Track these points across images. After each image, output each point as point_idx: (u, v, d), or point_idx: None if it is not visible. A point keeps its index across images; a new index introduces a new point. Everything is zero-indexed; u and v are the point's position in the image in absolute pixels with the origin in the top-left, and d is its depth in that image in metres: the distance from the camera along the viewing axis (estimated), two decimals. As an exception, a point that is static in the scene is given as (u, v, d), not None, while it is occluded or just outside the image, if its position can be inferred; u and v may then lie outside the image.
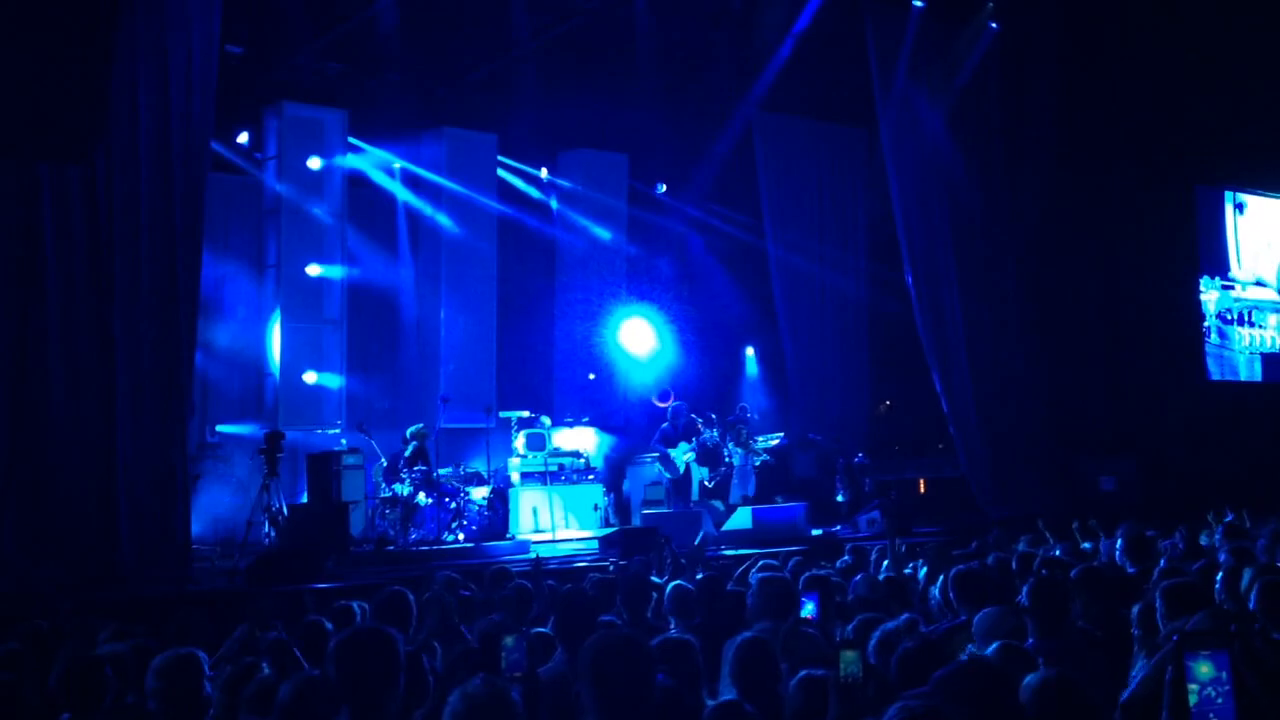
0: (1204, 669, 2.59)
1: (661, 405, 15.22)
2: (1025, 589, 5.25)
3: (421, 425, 13.89)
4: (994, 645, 4.14)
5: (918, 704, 3.05)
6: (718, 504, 14.64)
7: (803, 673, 4.15)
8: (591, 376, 17.30)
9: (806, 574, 6.69)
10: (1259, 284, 21.49)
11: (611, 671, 3.35)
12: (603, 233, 17.56)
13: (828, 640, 4.86)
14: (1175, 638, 2.84)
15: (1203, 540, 9.18)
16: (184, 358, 10.79)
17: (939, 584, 6.74)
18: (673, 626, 5.84)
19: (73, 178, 10.55)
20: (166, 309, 10.67)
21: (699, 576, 7.10)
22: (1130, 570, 7.07)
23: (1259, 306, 21.45)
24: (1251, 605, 4.98)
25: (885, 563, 8.89)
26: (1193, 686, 2.59)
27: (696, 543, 12.90)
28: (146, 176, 10.67)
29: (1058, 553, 8.08)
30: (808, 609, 5.00)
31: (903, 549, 9.46)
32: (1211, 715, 2.57)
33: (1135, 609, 5.13)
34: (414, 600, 5.84)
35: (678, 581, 6.47)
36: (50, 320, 10.35)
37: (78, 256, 10.53)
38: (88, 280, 10.46)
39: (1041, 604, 4.93)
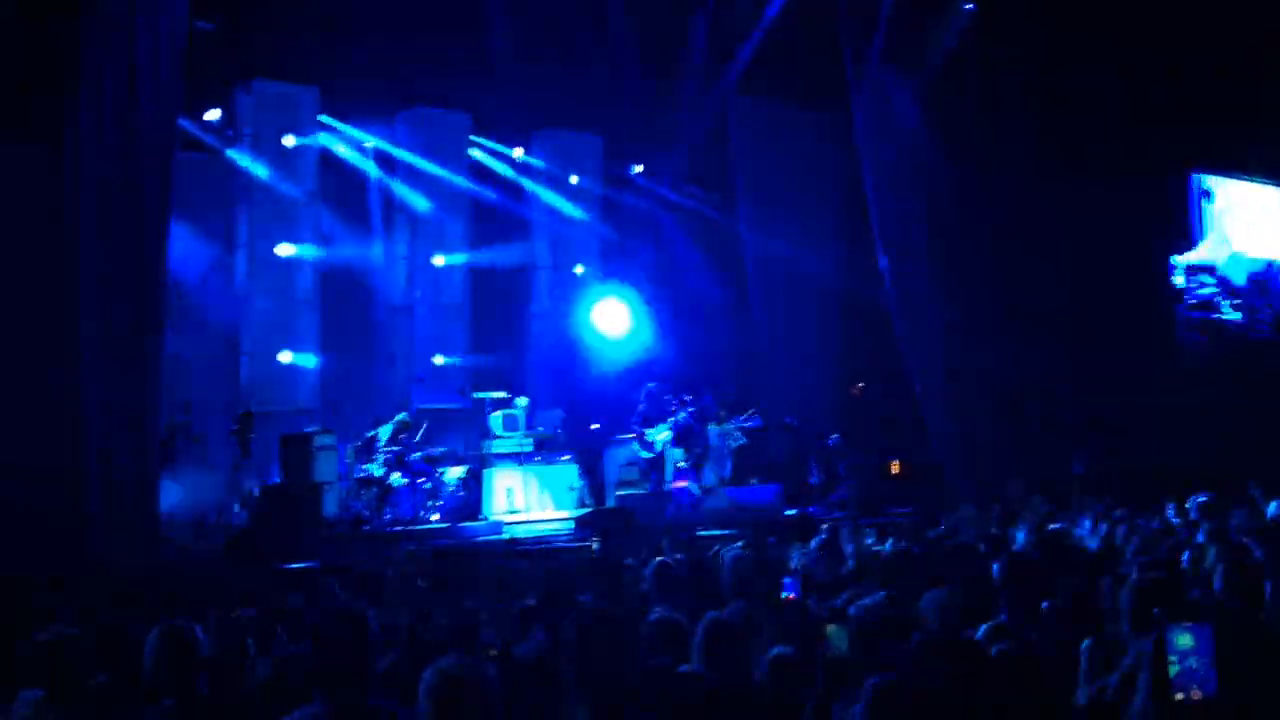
0: (1184, 640, 2.60)
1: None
2: (996, 567, 5.28)
3: (406, 415, 13.81)
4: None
5: (890, 680, 3.06)
6: (693, 485, 14.67)
7: (774, 650, 4.16)
8: (574, 359, 17.27)
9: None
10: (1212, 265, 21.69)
11: (594, 649, 3.35)
12: (577, 213, 17.52)
13: (810, 618, 4.88)
14: (1156, 611, 2.86)
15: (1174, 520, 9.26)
16: (153, 337, 10.68)
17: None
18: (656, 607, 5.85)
19: (39, 155, 10.41)
20: (134, 288, 10.55)
21: (678, 557, 7.11)
22: (1099, 549, 7.14)
23: (1226, 287, 21.65)
24: (1217, 585, 5.01)
25: (850, 548, 8.91)
26: (1173, 658, 2.60)
27: (668, 517, 13.01)
28: (114, 153, 10.52)
29: (1021, 534, 8.14)
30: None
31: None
32: (1193, 686, 2.58)
33: (1106, 583, 5.17)
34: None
35: (660, 559, 6.47)
36: (17, 299, 10.21)
37: (44, 235, 10.39)
38: (54, 259, 10.33)
39: (1013, 582, 4.95)
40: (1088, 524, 8.87)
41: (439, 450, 14.20)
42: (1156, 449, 16.84)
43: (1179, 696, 2.58)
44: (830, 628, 3.57)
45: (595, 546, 8.58)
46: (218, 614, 5.70)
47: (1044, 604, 4.88)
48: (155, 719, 4.08)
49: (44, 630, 4.97)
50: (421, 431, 13.91)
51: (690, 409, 14.96)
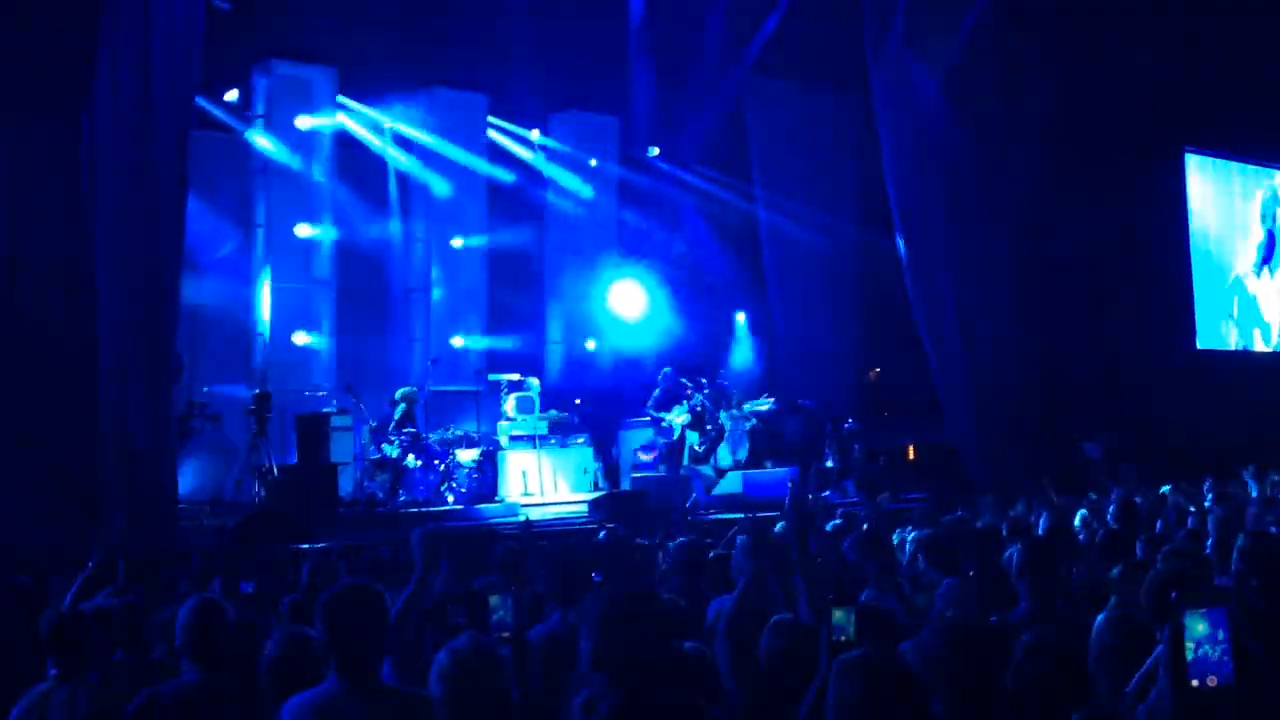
0: (1201, 626, 2.58)
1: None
2: (1016, 553, 5.25)
3: (412, 388, 13.84)
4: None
5: (856, 655, 3.06)
6: (707, 469, 14.66)
7: (775, 618, 4.15)
8: (591, 345, 17.25)
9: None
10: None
11: (625, 630, 3.32)
12: (594, 195, 17.48)
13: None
14: (1174, 596, 2.84)
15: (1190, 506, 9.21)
16: (169, 317, 10.70)
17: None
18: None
19: (57, 135, 10.43)
20: (150, 267, 10.57)
21: (684, 540, 7.10)
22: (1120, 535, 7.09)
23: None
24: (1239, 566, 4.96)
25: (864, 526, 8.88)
26: (1190, 644, 2.58)
27: (687, 505, 13.00)
28: (131, 133, 10.53)
29: (1042, 520, 8.07)
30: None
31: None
32: (1209, 673, 2.56)
33: (1116, 571, 5.14)
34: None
35: (678, 541, 6.47)
36: (35, 277, 10.26)
37: (62, 215, 10.42)
38: (72, 238, 10.36)
39: (1033, 568, 4.91)
40: (1112, 509, 8.79)
41: (453, 432, 14.23)
42: (1174, 432, 16.77)
43: (1194, 684, 2.56)
44: (836, 611, 3.55)
45: (602, 535, 8.56)
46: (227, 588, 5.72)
47: (1062, 590, 4.86)
48: (177, 692, 4.09)
49: (61, 607, 5.01)
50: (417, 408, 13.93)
51: (705, 392, 14.95)
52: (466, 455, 13.78)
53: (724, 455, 15.04)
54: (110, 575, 6.18)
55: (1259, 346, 21.68)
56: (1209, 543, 5.90)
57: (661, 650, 3.42)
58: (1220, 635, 2.55)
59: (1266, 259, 21.72)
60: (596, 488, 14.54)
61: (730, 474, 14.54)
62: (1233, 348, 21.24)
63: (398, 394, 13.63)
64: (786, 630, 4.02)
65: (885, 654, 3.18)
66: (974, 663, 3.16)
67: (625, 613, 3.36)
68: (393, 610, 3.89)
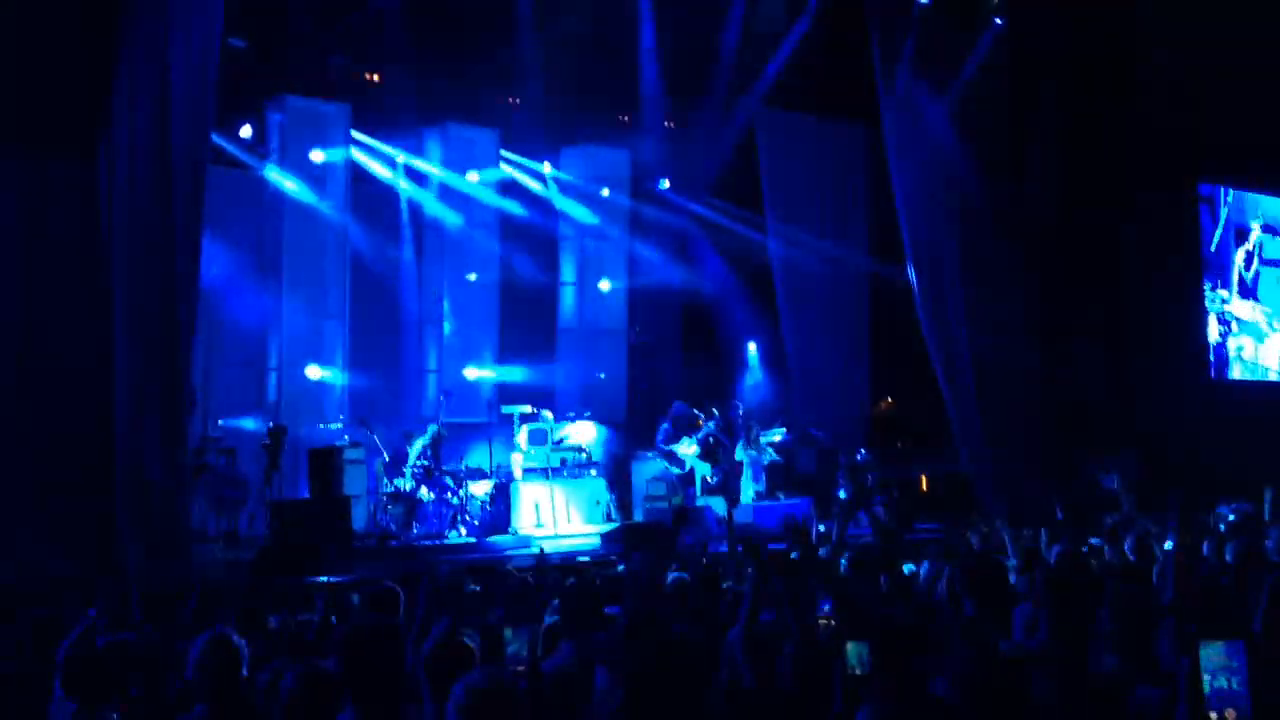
0: (1218, 658, 2.57)
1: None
2: (1038, 584, 5.23)
3: (438, 428, 13.80)
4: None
5: (891, 684, 3.05)
6: (719, 501, 14.63)
7: (790, 648, 4.14)
8: (602, 376, 17.26)
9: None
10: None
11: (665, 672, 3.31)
12: (605, 227, 17.54)
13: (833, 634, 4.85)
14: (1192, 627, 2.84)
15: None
16: (184, 351, 10.77)
17: (944, 580, 6.75)
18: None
19: (74, 171, 10.54)
20: (166, 302, 10.65)
21: (678, 576, 7.09)
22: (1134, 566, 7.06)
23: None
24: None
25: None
26: (1207, 676, 2.57)
27: (690, 541, 12.96)
28: (146, 169, 10.64)
29: (1055, 551, 8.02)
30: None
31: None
32: (1227, 704, 2.55)
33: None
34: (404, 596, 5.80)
35: (676, 575, 6.46)
36: (52, 312, 10.34)
37: (78, 250, 10.51)
38: (88, 273, 10.44)
39: (1055, 599, 4.88)
40: (1129, 542, 8.75)
41: (466, 464, 14.23)
42: (1191, 462, 16.67)
43: (1213, 715, 2.55)
44: (849, 645, 3.54)
45: (620, 567, 8.54)
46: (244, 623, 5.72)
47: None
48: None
49: (78, 640, 5.01)
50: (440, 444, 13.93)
51: (716, 423, 14.93)
52: (479, 488, 13.78)
53: (746, 491, 15.01)
54: (119, 617, 6.18)
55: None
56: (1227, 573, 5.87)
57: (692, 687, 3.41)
58: (1238, 667, 2.54)
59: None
60: (609, 519, 14.52)
61: (742, 506, 14.51)
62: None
63: (429, 430, 13.61)
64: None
65: (916, 684, 3.17)
66: (1001, 692, 3.15)
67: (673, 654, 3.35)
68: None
